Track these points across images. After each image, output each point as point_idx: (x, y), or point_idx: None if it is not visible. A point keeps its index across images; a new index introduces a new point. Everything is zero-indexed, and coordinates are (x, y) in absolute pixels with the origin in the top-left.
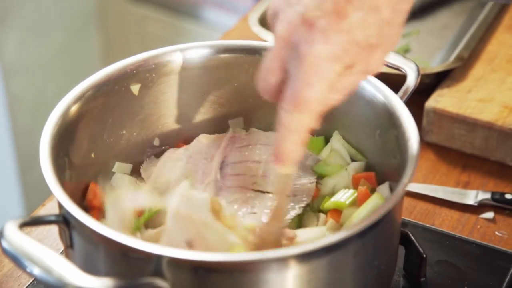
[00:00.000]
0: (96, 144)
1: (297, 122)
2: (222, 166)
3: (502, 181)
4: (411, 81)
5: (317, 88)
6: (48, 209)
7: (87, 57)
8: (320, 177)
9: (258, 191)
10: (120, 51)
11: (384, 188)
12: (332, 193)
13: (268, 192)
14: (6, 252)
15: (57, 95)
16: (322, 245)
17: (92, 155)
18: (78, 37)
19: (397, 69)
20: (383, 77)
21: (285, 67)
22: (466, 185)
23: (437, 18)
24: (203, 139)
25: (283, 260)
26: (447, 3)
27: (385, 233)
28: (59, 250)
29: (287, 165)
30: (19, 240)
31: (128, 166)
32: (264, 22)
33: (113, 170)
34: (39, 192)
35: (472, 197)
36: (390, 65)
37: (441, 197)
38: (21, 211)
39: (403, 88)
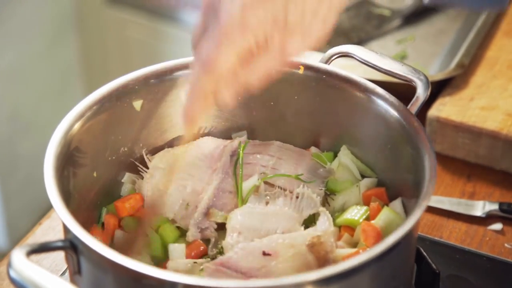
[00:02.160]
0: (98, 162)
1: (201, 82)
2: (232, 154)
3: (508, 191)
4: (421, 93)
5: (226, 53)
6: (45, 228)
7: (66, 62)
8: (331, 192)
9: (267, 183)
10: (99, 56)
11: (396, 204)
12: (343, 210)
13: (279, 187)
14: (14, 282)
15: (35, 101)
16: (340, 270)
17: (94, 174)
18: (56, 42)
19: (406, 80)
20: (387, 87)
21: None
22: (472, 196)
23: (432, 23)
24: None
25: (299, 287)
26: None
27: (403, 254)
28: (59, 272)
29: (190, 125)
30: (27, 269)
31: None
32: None
33: (122, 180)
34: (19, 199)
35: (479, 208)
36: (400, 76)
37: (448, 208)
38: (0, 217)
39: (413, 100)
